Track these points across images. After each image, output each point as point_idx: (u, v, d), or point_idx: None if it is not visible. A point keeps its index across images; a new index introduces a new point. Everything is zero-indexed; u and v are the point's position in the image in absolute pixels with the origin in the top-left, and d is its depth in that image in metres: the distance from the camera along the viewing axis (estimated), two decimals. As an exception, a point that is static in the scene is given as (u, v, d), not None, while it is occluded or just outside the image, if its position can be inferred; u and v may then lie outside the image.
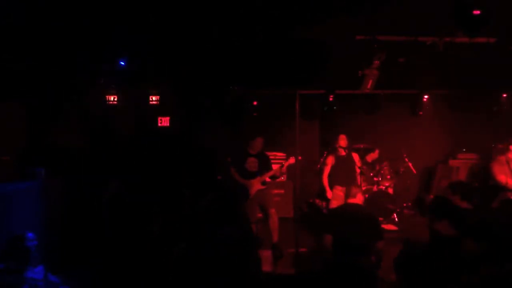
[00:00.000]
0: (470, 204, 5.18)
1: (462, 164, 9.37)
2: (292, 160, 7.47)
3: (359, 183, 8.12)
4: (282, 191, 9.04)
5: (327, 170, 7.75)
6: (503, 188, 7.17)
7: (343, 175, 7.56)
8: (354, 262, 4.31)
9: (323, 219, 6.83)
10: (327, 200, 7.89)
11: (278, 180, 8.82)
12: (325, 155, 8.31)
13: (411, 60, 7.58)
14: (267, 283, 4.27)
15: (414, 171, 9.22)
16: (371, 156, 8.96)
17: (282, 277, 5.27)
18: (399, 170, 9.15)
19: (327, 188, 7.67)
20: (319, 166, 8.85)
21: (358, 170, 7.70)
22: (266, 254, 6.76)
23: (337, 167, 7.66)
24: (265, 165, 7.33)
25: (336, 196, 7.45)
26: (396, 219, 8.72)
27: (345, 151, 7.73)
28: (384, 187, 8.86)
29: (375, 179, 8.97)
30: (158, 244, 5.83)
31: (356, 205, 5.56)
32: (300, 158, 7.69)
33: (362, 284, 4.13)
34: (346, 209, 5.60)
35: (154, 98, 7.96)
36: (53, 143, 7.68)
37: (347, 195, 5.91)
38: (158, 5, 5.97)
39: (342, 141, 7.69)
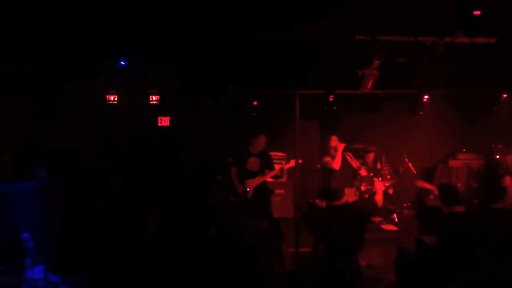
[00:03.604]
0: (462, 207, 5.18)
1: (462, 164, 9.34)
2: (292, 163, 7.48)
3: (357, 183, 8.12)
4: (282, 191, 9.04)
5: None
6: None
7: (341, 175, 7.54)
8: (346, 263, 4.34)
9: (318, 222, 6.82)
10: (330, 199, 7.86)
11: (278, 180, 8.84)
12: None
13: (411, 60, 7.58)
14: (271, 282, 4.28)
15: (414, 171, 9.20)
16: (369, 158, 8.94)
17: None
18: (399, 170, 9.14)
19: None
20: (319, 166, 8.84)
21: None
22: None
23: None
24: (267, 165, 7.31)
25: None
26: (396, 219, 8.71)
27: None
28: (384, 187, 8.85)
29: (375, 179, 8.96)
30: (158, 244, 5.83)
31: (345, 206, 5.64)
32: (300, 161, 7.66)
33: (353, 285, 4.17)
34: (336, 211, 5.62)
35: (154, 98, 7.95)
36: (53, 143, 7.68)
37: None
38: (158, 5, 5.98)
39: (334, 142, 7.67)
